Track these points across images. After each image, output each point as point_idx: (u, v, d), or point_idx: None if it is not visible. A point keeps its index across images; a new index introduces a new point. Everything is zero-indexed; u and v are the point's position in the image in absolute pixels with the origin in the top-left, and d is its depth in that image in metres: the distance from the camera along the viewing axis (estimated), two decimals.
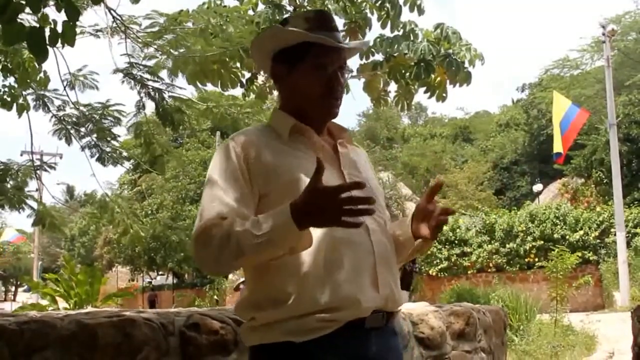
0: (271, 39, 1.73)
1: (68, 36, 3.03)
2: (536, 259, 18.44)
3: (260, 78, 5.35)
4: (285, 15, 4.54)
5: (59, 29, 3.01)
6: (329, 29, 1.69)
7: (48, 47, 2.96)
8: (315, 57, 1.66)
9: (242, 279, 15.43)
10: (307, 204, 1.40)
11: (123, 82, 5.27)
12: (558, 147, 17.40)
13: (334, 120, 1.78)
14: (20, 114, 5.59)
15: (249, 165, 1.60)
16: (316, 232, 1.52)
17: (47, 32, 2.97)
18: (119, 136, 5.94)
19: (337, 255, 1.55)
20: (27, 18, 3.54)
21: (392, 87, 5.06)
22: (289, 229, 1.42)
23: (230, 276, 26.85)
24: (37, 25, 2.96)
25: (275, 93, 5.51)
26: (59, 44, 3.05)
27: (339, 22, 4.76)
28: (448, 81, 4.76)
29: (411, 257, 1.86)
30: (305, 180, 1.45)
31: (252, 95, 5.28)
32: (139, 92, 5.31)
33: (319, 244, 1.54)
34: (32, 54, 3.19)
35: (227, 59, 4.79)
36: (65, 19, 2.98)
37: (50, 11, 3.17)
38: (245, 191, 1.58)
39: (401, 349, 1.74)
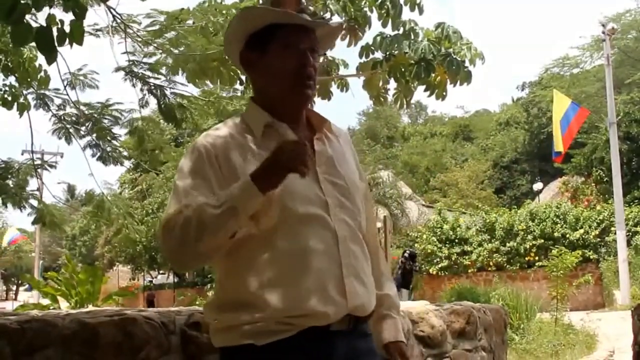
0: (239, 22, 1.69)
1: (76, 35, 3.04)
2: (536, 258, 18.46)
3: None
4: None
5: (67, 28, 3.02)
6: (299, 11, 1.68)
7: (57, 46, 2.97)
8: (284, 37, 1.62)
9: None
10: (261, 165, 1.44)
11: (125, 80, 5.28)
12: (558, 146, 17.40)
13: (315, 110, 1.75)
14: (21, 113, 5.60)
15: (219, 164, 1.57)
16: (283, 241, 1.52)
17: (55, 32, 2.98)
18: (119, 135, 5.95)
19: (303, 264, 1.51)
20: (34, 18, 3.55)
21: (392, 84, 5.06)
22: (248, 191, 1.42)
23: None
24: (45, 25, 2.97)
25: None
26: (66, 43, 3.05)
27: (339, 20, 4.75)
28: (448, 80, 4.76)
29: None
30: None
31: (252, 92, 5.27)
32: (141, 90, 5.32)
33: (286, 251, 1.52)
34: (41, 54, 3.20)
35: (227, 57, 4.78)
36: (71, 18, 3.00)
37: (57, 11, 3.18)
38: (211, 190, 1.54)
39: (375, 348, 1.68)
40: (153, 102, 5.45)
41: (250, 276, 1.52)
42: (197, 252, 1.48)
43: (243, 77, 5.14)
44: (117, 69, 5.18)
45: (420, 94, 5.01)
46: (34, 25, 3.00)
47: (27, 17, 2.96)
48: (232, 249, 1.54)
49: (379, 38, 4.64)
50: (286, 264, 1.51)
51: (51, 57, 3.07)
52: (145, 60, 5.15)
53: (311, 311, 1.50)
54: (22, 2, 2.74)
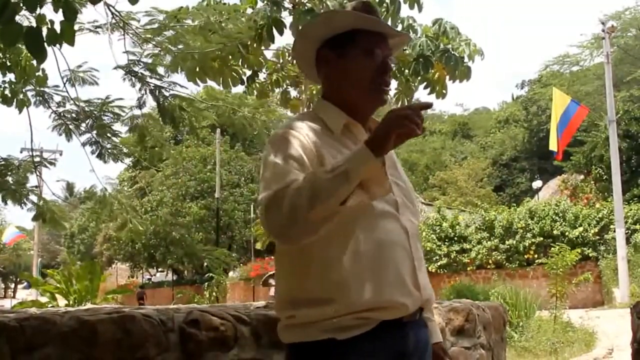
0: (323, 23, 1.73)
1: (67, 35, 3.03)
2: (536, 256, 18.45)
3: (262, 76, 5.35)
4: (284, 13, 4.55)
5: (57, 28, 3.00)
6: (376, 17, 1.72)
7: (47, 46, 2.96)
8: (366, 43, 1.67)
9: (271, 273, 15.49)
10: (374, 132, 1.45)
11: (124, 79, 5.27)
12: (553, 145, 17.36)
13: (375, 118, 1.76)
14: (20, 109, 5.59)
15: (311, 155, 1.57)
16: (363, 235, 1.54)
17: (45, 32, 2.97)
18: (119, 132, 5.94)
19: (383, 257, 1.55)
20: (26, 17, 3.54)
21: (392, 83, 5.05)
22: (363, 154, 1.42)
23: (231, 273, 26.87)
24: (34, 26, 2.96)
25: (277, 91, 5.52)
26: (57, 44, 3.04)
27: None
28: (447, 77, 4.75)
29: None
30: None
31: (254, 93, 5.28)
32: (140, 89, 5.32)
33: (365, 245, 1.54)
34: (30, 54, 3.19)
35: (228, 56, 4.78)
36: (63, 18, 2.98)
37: (49, 11, 3.17)
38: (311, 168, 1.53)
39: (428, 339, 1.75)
40: (151, 102, 5.46)
41: (328, 270, 1.53)
42: (308, 222, 1.44)
43: (245, 78, 5.14)
44: (117, 68, 5.17)
45: (420, 92, 4.99)
46: (26, 24, 2.98)
47: (20, 16, 2.96)
48: (305, 245, 1.52)
49: None
50: (366, 257, 1.54)
51: (40, 58, 3.04)
52: (144, 59, 5.14)
53: (392, 303, 1.54)
54: (13, 1, 2.72)
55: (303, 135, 1.59)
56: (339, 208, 1.45)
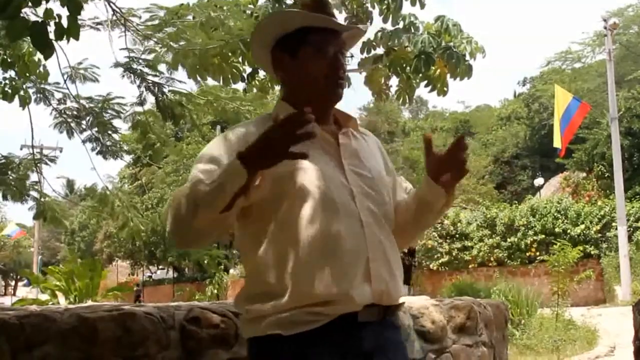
0: (271, 24, 1.74)
1: (72, 30, 3.02)
2: (537, 253, 18.40)
3: (262, 73, 5.33)
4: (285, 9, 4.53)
5: (64, 23, 3.00)
6: (326, 14, 1.71)
7: (53, 41, 2.95)
8: (317, 41, 1.68)
9: None
10: (252, 145, 1.44)
11: (123, 76, 5.26)
12: (557, 142, 17.37)
13: (340, 108, 1.78)
14: (22, 105, 5.58)
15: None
16: (309, 228, 1.53)
17: (52, 27, 2.96)
18: (120, 129, 5.94)
19: (330, 250, 1.54)
20: (31, 13, 3.53)
21: (394, 81, 5.04)
22: (234, 169, 1.43)
23: (232, 271, 26.88)
24: (40, 20, 2.95)
25: (277, 88, 5.51)
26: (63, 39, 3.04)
27: (340, 16, 4.74)
28: (449, 74, 4.73)
29: (445, 209, 1.81)
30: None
31: (254, 90, 5.26)
32: (139, 87, 5.31)
33: (311, 238, 1.54)
34: (37, 49, 3.19)
35: (229, 53, 4.77)
36: (68, 13, 2.97)
37: (55, 6, 3.16)
38: None
39: (404, 342, 1.72)
40: (151, 98, 5.45)
41: (276, 265, 1.54)
42: (193, 228, 1.50)
43: (245, 75, 5.12)
44: (116, 65, 5.16)
45: (421, 88, 4.98)
46: (33, 19, 2.98)
47: (26, 10, 2.95)
48: (258, 240, 1.57)
49: (380, 33, 4.62)
50: (314, 250, 1.53)
51: (47, 53, 3.05)
52: (144, 56, 5.13)
53: (339, 296, 1.51)
54: None
55: (248, 137, 1.57)
56: (221, 215, 1.47)
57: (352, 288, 1.53)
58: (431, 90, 4.82)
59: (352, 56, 4.80)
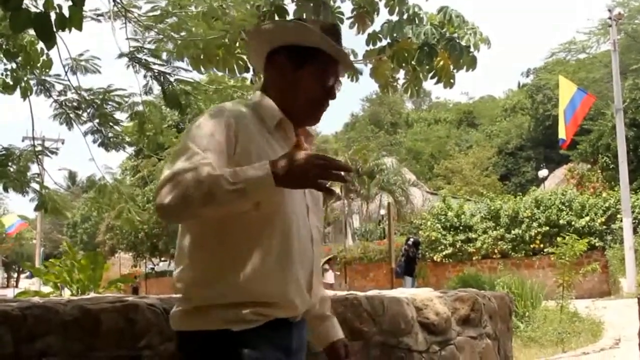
0: (292, 31, 1.75)
1: (75, 20, 3.01)
2: (542, 245, 18.40)
3: None
4: (286, 2, 4.50)
5: (65, 13, 2.98)
6: (339, 43, 1.77)
7: (55, 32, 2.94)
8: (324, 65, 1.73)
9: (326, 259, 15.72)
10: (289, 162, 1.44)
11: (128, 66, 5.23)
12: (562, 133, 17.30)
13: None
14: (24, 96, 5.56)
15: (236, 141, 1.59)
16: (273, 233, 1.60)
17: (53, 17, 2.95)
18: (121, 121, 5.91)
19: (287, 258, 1.62)
20: (34, 4, 3.51)
21: (401, 73, 4.98)
22: (266, 183, 1.44)
23: None
24: (43, 11, 2.94)
25: None
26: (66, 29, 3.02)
27: (347, 8, 4.71)
28: (452, 66, 4.67)
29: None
30: None
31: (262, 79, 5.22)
32: (144, 76, 5.28)
33: (273, 243, 1.60)
34: (40, 39, 3.18)
35: (232, 44, 4.73)
36: (70, 3, 2.95)
37: None
38: (223, 159, 1.55)
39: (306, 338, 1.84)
40: (156, 88, 5.42)
41: (234, 260, 1.57)
42: (197, 214, 1.51)
43: (251, 66, 5.08)
44: (120, 55, 5.13)
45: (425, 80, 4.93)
46: (34, 10, 2.96)
47: (27, 2, 2.94)
48: (222, 232, 1.58)
49: (385, 25, 4.57)
50: (276, 255, 1.60)
51: (50, 43, 3.05)
52: (147, 46, 5.10)
53: (288, 302, 1.62)
54: None
55: (243, 121, 1.63)
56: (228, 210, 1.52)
57: (297, 296, 1.64)
58: (437, 82, 4.78)
59: (356, 56, 4.76)
